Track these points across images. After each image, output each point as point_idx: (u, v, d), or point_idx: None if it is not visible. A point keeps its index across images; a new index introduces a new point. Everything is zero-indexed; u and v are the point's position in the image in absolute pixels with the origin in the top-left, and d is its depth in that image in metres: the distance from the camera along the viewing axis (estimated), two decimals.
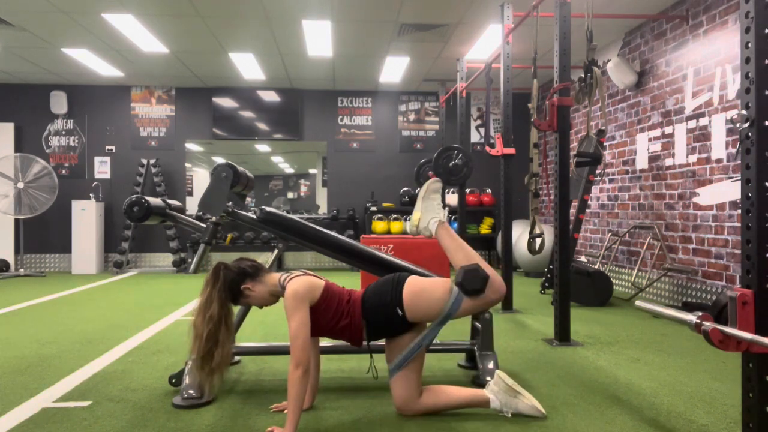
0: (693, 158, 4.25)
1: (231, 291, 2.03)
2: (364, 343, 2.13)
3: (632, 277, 4.94)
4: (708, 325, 1.56)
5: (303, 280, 2.02)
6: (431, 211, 2.22)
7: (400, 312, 2.04)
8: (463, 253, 2.11)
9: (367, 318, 2.08)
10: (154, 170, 7.34)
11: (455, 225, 7.01)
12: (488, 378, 2.22)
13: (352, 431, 1.98)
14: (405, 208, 7.43)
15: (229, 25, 5.08)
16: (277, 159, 7.95)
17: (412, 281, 2.08)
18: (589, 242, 6.08)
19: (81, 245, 7.01)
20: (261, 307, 2.14)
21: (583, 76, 3.22)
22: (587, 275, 4.53)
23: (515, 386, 2.11)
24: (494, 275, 2.04)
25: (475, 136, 7.89)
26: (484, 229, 7.63)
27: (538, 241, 3.78)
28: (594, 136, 4.45)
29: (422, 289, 2.06)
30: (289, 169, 7.97)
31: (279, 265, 7.51)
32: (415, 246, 4.39)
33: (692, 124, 4.27)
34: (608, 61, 5.35)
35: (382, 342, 2.22)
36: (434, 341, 2.50)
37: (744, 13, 1.63)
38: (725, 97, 3.91)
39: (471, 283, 1.99)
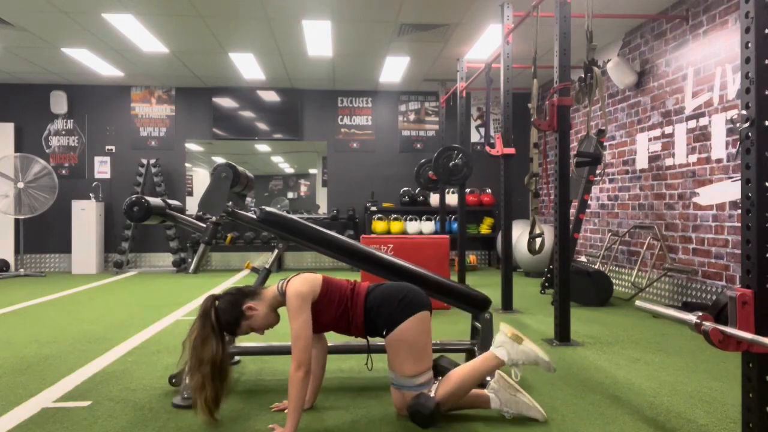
0: (693, 158, 4.25)
1: (229, 317, 1.96)
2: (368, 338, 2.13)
3: (632, 277, 4.94)
4: (708, 325, 1.56)
5: (302, 278, 2.01)
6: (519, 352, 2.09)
7: (384, 332, 2.03)
8: (466, 383, 2.04)
9: (366, 312, 2.07)
10: (154, 170, 7.33)
11: (455, 225, 7.02)
12: (488, 377, 2.22)
13: (352, 431, 1.99)
14: (405, 208, 7.44)
15: (229, 25, 5.08)
16: (277, 159, 7.95)
17: (417, 329, 1.99)
18: (589, 242, 6.08)
19: (81, 245, 7.01)
20: (262, 332, 2.03)
21: (583, 76, 3.22)
22: (587, 275, 4.53)
23: (515, 385, 2.11)
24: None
25: (475, 136, 7.89)
26: (484, 229, 7.63)
27: (538, 241, 3.78)
28: (594, 136, 4.46)
29: (412, 345, 1.98)
30: (289, 169, 7.97)
31: (279, 265, 7.51)
32: (414, 246, 4.39)
33: (692, 124, 4.27)
34: (608, 61, 5.35)
35: (382, 342, 2.22)
36: (434, 341, 2.50)
37: (744, 13, 1.63)
38: (725, 97, 3.91)
39: (417, 417, 1.95)
